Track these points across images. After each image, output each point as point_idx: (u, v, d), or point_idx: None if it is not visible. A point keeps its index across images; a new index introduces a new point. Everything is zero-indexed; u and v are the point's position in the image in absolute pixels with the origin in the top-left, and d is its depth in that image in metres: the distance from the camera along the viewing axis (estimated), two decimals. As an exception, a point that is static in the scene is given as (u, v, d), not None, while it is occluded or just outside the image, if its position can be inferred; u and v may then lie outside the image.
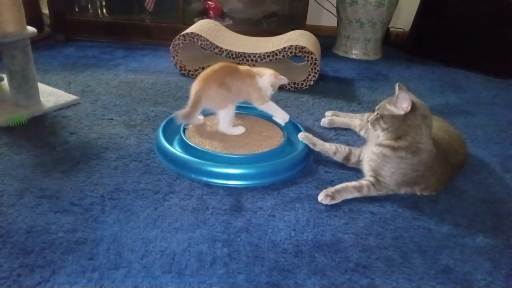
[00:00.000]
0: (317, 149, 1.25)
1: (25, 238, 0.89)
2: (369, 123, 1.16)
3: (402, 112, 1.07)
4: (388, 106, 1.11)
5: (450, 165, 1.16)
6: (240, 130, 1.32)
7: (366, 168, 1.16)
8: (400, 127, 1.08)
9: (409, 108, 1.07)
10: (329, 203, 1.07)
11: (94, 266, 0.83)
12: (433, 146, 1.10)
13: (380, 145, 1.12)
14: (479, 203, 1.14)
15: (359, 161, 1.22)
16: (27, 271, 0.81)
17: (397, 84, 1.19)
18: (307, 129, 1.44)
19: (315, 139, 1.26)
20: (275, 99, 1.72)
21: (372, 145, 1.15)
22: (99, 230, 0.93)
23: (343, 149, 1.24)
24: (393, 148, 1.09)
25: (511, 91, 2.08)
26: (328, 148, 1.24)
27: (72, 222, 0.95)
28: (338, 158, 1.25)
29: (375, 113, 1.14)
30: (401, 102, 1.07)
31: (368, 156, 1.15)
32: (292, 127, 1.39)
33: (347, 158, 1.24)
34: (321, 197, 1.08)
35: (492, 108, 1.84)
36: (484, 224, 1.06)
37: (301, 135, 1.26)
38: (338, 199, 1.08)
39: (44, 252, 0.86)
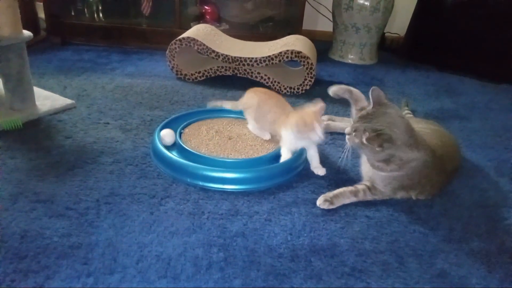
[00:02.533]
0: (352, 96, 1.21)
1: (19, 243, 0.88)
2: (347, 137, 1.10)
3: (378, 149, 1.03)
4: (365, 142, 1.04)
5: (445, 171, 1.17)
6: (265, 135, 1.33)
7: (364, 172, 1.16)
8: (382, 157, 1.06)
9: (380, 149, 1.02)
10: (328, 208, 1.07)
11: (89, 271, 0.83)
12: (428, 155, 1.08)
13: (372, 165, 1.10)
14: (474, 207, 1.15)
15: None
16: (21, 276, 0.80)
17: (370, 91, 1.10)
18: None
19: (348, 88, 1.22)
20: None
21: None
22: (94, 234, 0.93)
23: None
24: (386, 171, 1.08)
25: (505, 95, 2.10)
26: (362, 98, 1.20)
27: (67, 226, 0.94)
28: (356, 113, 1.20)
29: (353, 133, 1.07)
30: (370, 146, 1.04)
31: (365, 162, 1.15)
32: None
33: None
34: (319, 202, 1.08)
35: (487, 112, 1.86)
36: (479, 228, 1.06)
37: (331, 89, 1.22)
38: (336, 204, 1.08)
39: (38, 257, 0.85)
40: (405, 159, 1.06)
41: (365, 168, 1.16)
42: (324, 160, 1.31)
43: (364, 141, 1.04)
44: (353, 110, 1.20)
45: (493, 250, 0.98)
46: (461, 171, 1.30)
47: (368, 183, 1.12)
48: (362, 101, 1.21)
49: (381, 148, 1.03)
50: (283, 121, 1.23)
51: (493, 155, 1.46)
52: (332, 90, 1.25)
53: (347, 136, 1.11)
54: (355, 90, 1.23)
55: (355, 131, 1.07)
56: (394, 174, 1.08)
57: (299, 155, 1.24)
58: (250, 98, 1.35)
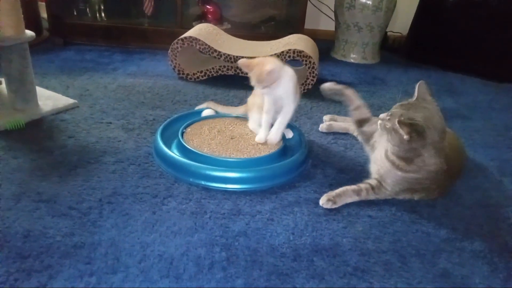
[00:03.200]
0: (344, 96, 1.24)
1: (22, 242, 0.89)
2: (379, 122, 1.09)
3: (404, 138, 1.00)
4: (397, 127, 1.02)
5: (451, 175, 1.16)
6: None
7: (373, 169, 1.15)
8: (408, 151, 1.04)
9: (408, 137, 1.00)
10: (331, 207, 1.07)
11: (92, 271, 0.83)
12: (444, 163, 1.06)
13: (392, 162, 1.08)
14: (476, 207, 1.15)
15: (367, 137, 1.20)
16: (24, 276, 0.81)
17: (418, 83, 1.10)
18: (305, 133, 1.45)
19: (341, 86, 1.24)
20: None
21: (383, 148, 1.12)
22: (97, 234, 0.93)
23: (365, 111, 1.20)
24: (404, 171, 1.07)
25: (507, 95, 2.09)
26: (354, 99, 1.23)
27: (70, 226, 0.95)
28: (355, 116, 1.23)
29: (387, 118, 1.06)
30: (398, 129, 1.01)
31: (378, 160, 1.13)
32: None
33: (361, 122, 1.20)
34: (322, 201, 1.08)
35: (489, 112, 1.85)
36: (481, 228, 1.06)
37: (323, 85, 1.26)
38: (339, 203, 1.08)
39: (41, 256, 0.85)
40: (428, 162, 1.04)
41: (376, 165, 1.13)
42: (326, 160, 1.31)
43: (396, 124, 1.00)
44: (351, 113, 1.24)
45: (495, 249, 0.98)
46: (463, 170, 1.29)
47: (372, 182, 1.12)
48: (356, 100, 1.22)
49: (409, 137, 0.99)
50: None
51: (496, 154, 1.45)
52: (323, 86, 1.26)
53: (379, 122, 1.09)
54: (348, 91, 1.23)
55: (391, 115, 1.06)
56: (410, 175, 1.07)
57: (301, 155, 1.24)
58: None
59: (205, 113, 1.46)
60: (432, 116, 1.04)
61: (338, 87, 1.23)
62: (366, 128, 1.21)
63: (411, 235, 1.01)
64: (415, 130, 1.00)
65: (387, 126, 1.05)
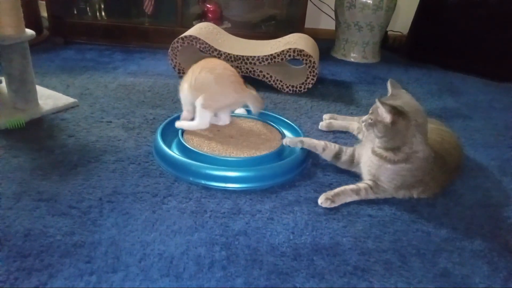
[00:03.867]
0: (305, 146, 1.24)
1: (23, 241, 0.89)
2: (362, 124, 1.13)
3: (387, 121, 1.04)
4: (379, 111, 1.06)
5: (447, 169, 1.17)
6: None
7: (364, 171, 1.16)
8: (394, 137, 1.06)
9: (391, 118, 1.03)
10: (329, 206, 1.07)
11: (92, 270, 0.83)
12: (431, 151, 1.09)
13: (379, 156, 1.10)
14: (476, 206, 1.14)
15: (350, 161, 1.21)
16: (25, 275, 0.81)
17: (389, 81, 1.16)
18: (306, 132, 1.45)
19: (299, 138, 1.25)
20: (273, 102, 1.73)
21: (369, 149, 1.14)
22: (97, 233, 0.93)
23: (333, 146, 1.22)
24: (393, 162, 1.08)
25: (508, 94, 2.09)
26: (316, 143, 1.23)
27: (70, 225, 0.95)
28: (327, 155, 1.23)
29: (369, 116, 1.10)
30: (380, 114, 1.05)
31: (367, 160, 1.15)
32: (291, 130, 1.40)
33: (337, 156, 1.22)
34: (321, 200, 1.08)
35: (490, 111, 1.85)
36: (482, 227, 1.06)
37: (285, 141, 1.26)
38: (338, 203, 1.08)
39: (41, 255, 0.85)
40: (415, 148, 1.06)
41: (367, 166, 1.15)
42: (326, 159, 1.31)
43: (379, 105, 1.04)
44: (322, 155, 1.25)
45: (496, 249, 0.98)
46: (464, 170, 1.29)
47: (370, 182, 1.12)
48: (318, 143, 1.24)
49: (391, 116, 1.02)
50: None
51: (496, 154, 1.45)
52: (285, 141, 1.27)
53: (363, 124, 1.12)
54: (306, 139, 1.26)
55: (372, 111, 1.10)
56: (400, 166, 1.08)
57: (301, 154, 1.24)
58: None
59: (237, 111, 1.47)
60: (411, 102, 1.09)
61: (296, 139, 1.25)
62: (343, 156, 1.23)
63: (411, 234, 1.01)
64: (399, 112, 1.04)
65: (371, 121, 1.09)
